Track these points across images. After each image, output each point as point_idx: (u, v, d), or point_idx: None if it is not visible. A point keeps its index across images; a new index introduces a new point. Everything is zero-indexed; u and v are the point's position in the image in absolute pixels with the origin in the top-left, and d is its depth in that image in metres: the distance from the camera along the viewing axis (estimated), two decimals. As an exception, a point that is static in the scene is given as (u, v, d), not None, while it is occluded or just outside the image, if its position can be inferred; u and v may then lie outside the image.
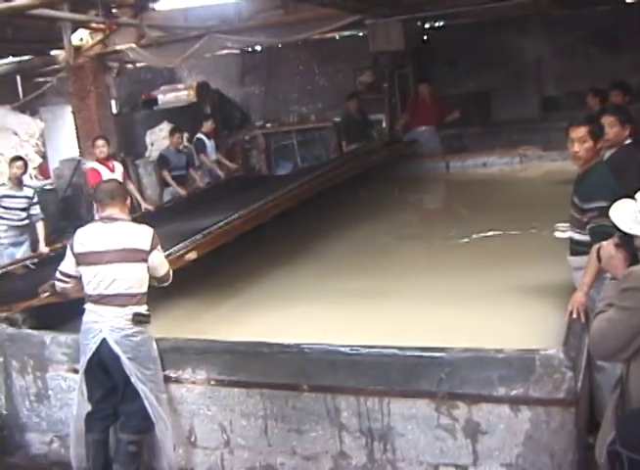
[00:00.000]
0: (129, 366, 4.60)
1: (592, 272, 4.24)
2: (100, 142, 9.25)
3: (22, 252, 8.38)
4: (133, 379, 4.60)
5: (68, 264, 4.89)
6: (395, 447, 4.27)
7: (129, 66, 13.47)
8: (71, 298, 5.03)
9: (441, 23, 14.10)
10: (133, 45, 11.51)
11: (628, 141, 5.59)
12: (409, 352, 4.24)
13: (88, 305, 4.74)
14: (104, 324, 4.62)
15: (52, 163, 13.88)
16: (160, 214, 8.67)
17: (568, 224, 5.02)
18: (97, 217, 4.97)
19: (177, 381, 4.78)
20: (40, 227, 8.44)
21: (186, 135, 11.39)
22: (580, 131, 4.74)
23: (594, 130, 4.77)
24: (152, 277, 4.86)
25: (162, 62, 12.35)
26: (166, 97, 14.91)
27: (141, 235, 4.80)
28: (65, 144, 13.85)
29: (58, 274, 4.98)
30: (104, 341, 4.61)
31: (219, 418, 4.70)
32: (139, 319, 4.67)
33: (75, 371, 4.93)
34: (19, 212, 8.35)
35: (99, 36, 11.54)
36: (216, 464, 4.78)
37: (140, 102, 15.14)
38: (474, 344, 4.21)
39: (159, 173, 11.27)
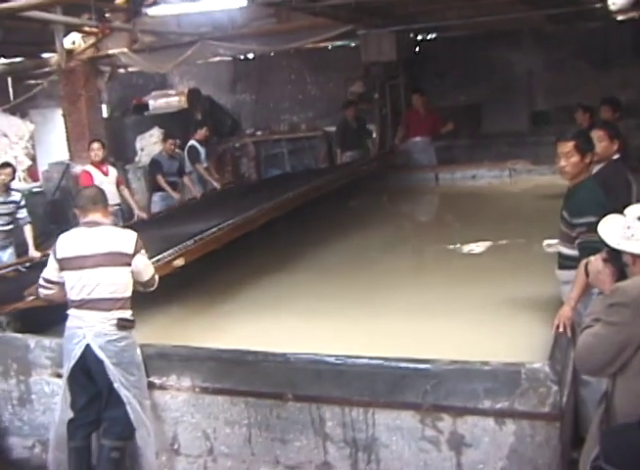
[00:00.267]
0: (113, 372, 4.56)
1: (580, 287, 4.24)
2: (95, 145, 9.23)
3: (7, 255, 8.34)
4: (116, 384, 4.56)
5: (50, 271, 4.85)
6: (380, 458, 4.25)
7: (121, 70, 13.47)
8: (57, 302, 5.00)
9: (433, 36, 14.14)
10: (125, 50, 11.50)
11: (616, 156, 5.60)
12: (395, 364, 4.22)
13: (71, 311, 4.70)
14: (87, 329, 4.59)
15: (41, 165, 13.84)
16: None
17: (557, 241, 5.02)
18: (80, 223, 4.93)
19: (161, 387, 4.74)
20: (28, 231, 8.39)
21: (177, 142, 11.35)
22: (567, 146, 4.73)
23: (581, 145, 4.73)
24: (137, 282, 4.84)
25: (154, 67, 12.34)
26: (157, 102, 14.90)
27: (124, 239, 4.78)
28: (54, 147, 13.84)
29: (41, 281, 4.94)
30: (88, 346, 4.57)
31: (203, 426, 4.67)
32: (123, 324, 4.64)
33: (59, 376, 4.89)
34: (4, 217, 8.29)
35: (91, 40, 11.54)
36: (199, 472, 4.76)
37: (131, 107, 15.13)
38: (460, 356, 4.20)
39: (149, 178, 11.19)
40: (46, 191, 12.96)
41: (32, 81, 14.29)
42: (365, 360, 4.32)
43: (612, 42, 13.11)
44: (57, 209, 12.53)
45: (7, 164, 8.47)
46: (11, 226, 8.38)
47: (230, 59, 15.17)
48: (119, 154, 12.98)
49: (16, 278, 6.69)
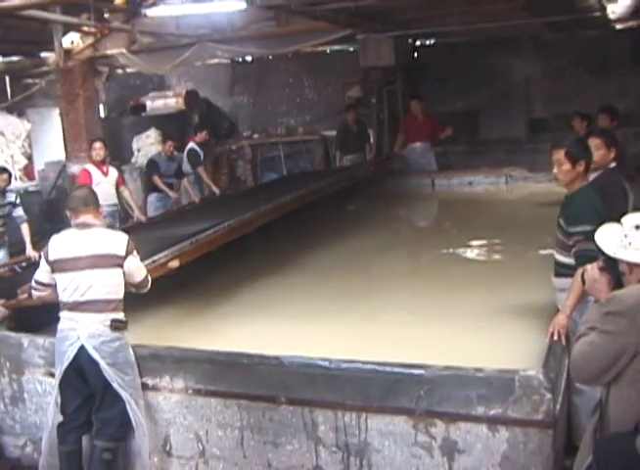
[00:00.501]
0: (109, 372, 4.56)
1: (575, 295, 4.24)
2: (97, 144, 9.21)
3: (0, 255, 8.31)
4: (115, 385, 4.56)
5: (42, 273, 4.84)
6: (372, 463, 4.24)
7: (119, 71, 13.42)
8: (50, 302, 4.98)
9: (432, 41, 14.17)
10: (124, 50, 11.48)
11: (613, 164, 5.60)
12: (389, 369, 4.22)
13: (63, 313, 4.69)
14: (81, 331, 4.57)
15: (37, 164, 13.83)
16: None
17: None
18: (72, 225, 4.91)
19: (154, 389, 4.73)
20: (25, 229, 8.32)
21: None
22: (559, 153, 4.71)
23: (572, 153, 4.68)
24: (129, 284, 4.83)
25: (152, 68, 12.33)
26: (155, 104, 14.89)
27: (116, 240, 4.77)
28: (51, 146, 13.81)
29: (33, 283, 4.93)
30: (82, 348, 4.56)
31: (195, 428, 4.66)
32: (117, 325, 4.63)
33: (52, 375, 4.88)
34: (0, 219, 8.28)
35: (90, 40, 11.51)
36: (191, 474, 4.74)
37: (128, 107, 15.12)
38: (454, 362, 4.20)
39: (146, 179, 11.17)
40: (42, 190, 12.94)
41: (30, 80, 14.25)
42: (359, 365, 4.31)
43: (611, 50, 13.13)
44: (53, 208, 12.49)
45: (3, 170, 8.43)
46: (4, 228, 8.35)
47: (228, 61, 15.17)
48: (116, 154, 12.94)
49: (12, 277, 6.68)
